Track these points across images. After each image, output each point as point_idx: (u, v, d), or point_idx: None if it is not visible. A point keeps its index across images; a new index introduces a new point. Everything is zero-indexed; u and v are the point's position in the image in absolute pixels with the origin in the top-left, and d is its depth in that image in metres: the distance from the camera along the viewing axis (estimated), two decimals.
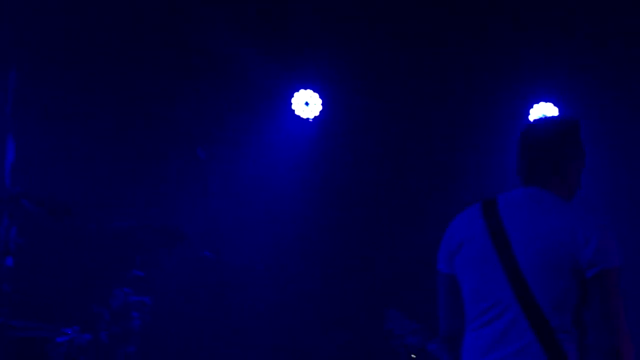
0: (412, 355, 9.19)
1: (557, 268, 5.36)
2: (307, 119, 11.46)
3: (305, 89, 11.40)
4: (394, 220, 11.73)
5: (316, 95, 11.43)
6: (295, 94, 11.37)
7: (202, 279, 9.48)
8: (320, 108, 11.35)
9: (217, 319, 9.65)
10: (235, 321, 10.17)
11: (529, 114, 12.10)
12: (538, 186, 5.51)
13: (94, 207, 9.84)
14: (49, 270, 9.43)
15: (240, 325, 10.20)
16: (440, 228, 10.51)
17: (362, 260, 11.49)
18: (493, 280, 5.42)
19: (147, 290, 8.67)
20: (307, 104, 11.34)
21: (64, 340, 8.10)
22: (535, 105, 12.03)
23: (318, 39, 11.48)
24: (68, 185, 9.67)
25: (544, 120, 6.75)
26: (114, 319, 8.49)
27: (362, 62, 11.85)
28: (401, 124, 11.95)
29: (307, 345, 10.92)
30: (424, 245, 10.23)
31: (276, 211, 11.01)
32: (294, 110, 11.38)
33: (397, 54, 11.94)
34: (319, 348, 10.94)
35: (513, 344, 5.32)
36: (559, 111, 11.98)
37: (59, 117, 10.23)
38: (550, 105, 12.06)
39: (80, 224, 9.43)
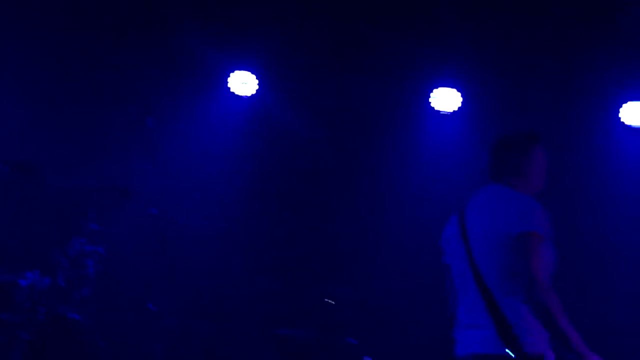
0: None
1: (495, 242, 6.11)
2: (244, 96, 11.32)
3: (242, 69, 11.48)
4: (327, 191, 11.86)
5: (253, 76, 11.47)
6: (232, 74, 11.45)
7: (149, 233, 9.47)
8: (257, 87, 11.44)
9: (162, 269, 9.59)
10: (179, 272, 10.06)
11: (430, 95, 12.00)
12: (498, 183, 6.39)
13: (54, 166, 9.90)
14: (13, 221, 9.62)
15: (183, 275, 10.22)
16: (372, 203, 11.52)
17: (295, 221, 11.64)
18: (461, 265, 6.32)
19: (100, 241, 8.86)
20: (244, 83, 11.39)
21: (27, 284, 8.42)
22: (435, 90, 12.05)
23: (256, 20, 11.41)
24: (32, 147, 10.03)
25: (511, 133, 6.91)
26: (71, 265, 8.72)
27: (297, 42, 11.75)
28: (336, 102, 11.95)
29: (245, 293, 10.98)
30: (356, 219, 11.29)
31: (215, 175, 11.22)
32: (229, 88, 11.52)
33: (331, 33, 11.80)
34: (256, 296, 10.88)
35: (474, 312, 6.12)
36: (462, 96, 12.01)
37: (21, 86, 10.37)
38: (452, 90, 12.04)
39: (41, 181, 9.62)
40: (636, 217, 11.47)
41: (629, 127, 11.66)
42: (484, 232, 6.28)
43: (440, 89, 11.85)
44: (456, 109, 11.96)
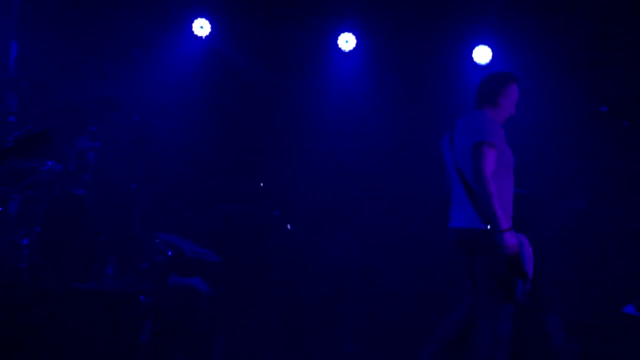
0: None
1: (468, 150, 7.41)
2: (202, 37, 12.19)
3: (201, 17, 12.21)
4: (259, 109, 12.35)
5: (207, 22, 12.16)
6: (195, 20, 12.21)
7: (132, 134, 10.39)
8: (210, 30, 12.21)
9: (141, 159, 10.40)
10: (154, 161, 10.90)
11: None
12: (477, 108, 7.70)
13: (62, 85, 10.81)
14: (32, 124, 10.48)
15: (157, 164, 11.04)
16: (295, 121, 12.13)
17: (237, 134, 12.23)
18: (452, 167, 7.65)
19: (98, 139, 9.74)
20: (201, 27, 12.20)
21: (46, 169, 9.24)
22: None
23: None
24: (46, 70, 10.68)
25: (494, 73, 8.12)
26: (78, 156, 9.54)
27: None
28: (269, 43, 12.42)
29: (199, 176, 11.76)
30: (282, 133, 12.04)
31: (181, 93, 11.93)
32: (192, 31, 12.27)
33: None
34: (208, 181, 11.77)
35: (460, 199, 7.52)
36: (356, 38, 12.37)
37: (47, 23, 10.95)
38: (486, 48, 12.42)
39: (53, 95, 10.46)
40: None
41: (479, 65, 12.28)
42: (462, 144, 7.47)
43: (344, 33, 12.31)
44: (352, 48, 12.40)
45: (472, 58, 12.32)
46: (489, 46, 12.25)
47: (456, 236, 7.62)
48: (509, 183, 7.59)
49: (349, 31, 12.34)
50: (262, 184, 11.29)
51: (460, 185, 7.56)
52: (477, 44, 12.27)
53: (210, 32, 12.29)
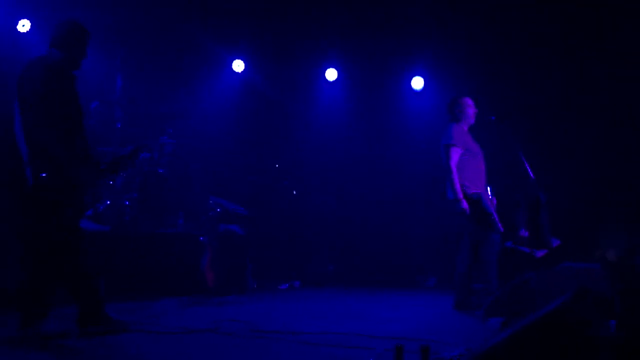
0: None
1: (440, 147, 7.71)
2: (237, 72, 11.73)
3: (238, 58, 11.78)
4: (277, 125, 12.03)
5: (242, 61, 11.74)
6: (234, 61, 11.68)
7: (193, 133, 10.56)
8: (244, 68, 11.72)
9: (198, 155, 10.62)
10: (211, 156, 10.90)
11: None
12: (448, 121, 7.87)
13: (150, 102, 10.56)
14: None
15: (213, 158, 10.95)
16: (299, 131, 11.90)
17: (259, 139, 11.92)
18: None
19: (173, 138, 9.79)
20: (238, 65, 11.76)
21: (144, 157, 9.42)
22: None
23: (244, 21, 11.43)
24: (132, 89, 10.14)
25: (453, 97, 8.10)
26: (160, 148, 9.65)
27: (268, 45, 11.86)
28: (279, 78, 12.04)
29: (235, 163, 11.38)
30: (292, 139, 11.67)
31: (222, 118, 11.54)
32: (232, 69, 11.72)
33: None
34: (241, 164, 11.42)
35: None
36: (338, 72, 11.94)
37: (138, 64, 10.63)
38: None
39: (144, 109, 10.31)
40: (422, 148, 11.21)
41: (415, 91, 11.95)
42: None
43: (330, 68, 12.04)
44: (334, 79, 12.06)
45: (411, 86, 12.04)
46: (422, 77, 11.98)
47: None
48: (475, 165, 7.79)
49: (333, 67, 12.10)
50: (277, 165, 11.37)
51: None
52: (414, 75, 11.99)
53: (243, 69, 12.02)
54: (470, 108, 7.94)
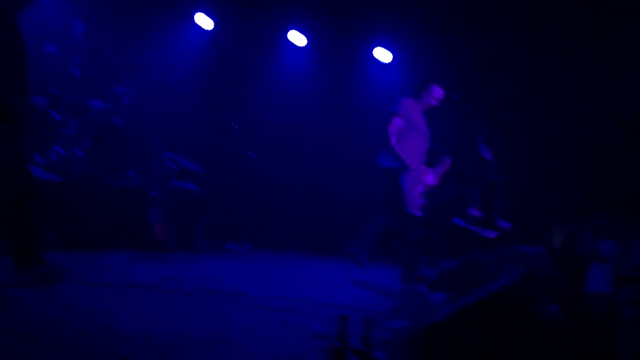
0: None
1: None
2: (202, 28, 11.49)
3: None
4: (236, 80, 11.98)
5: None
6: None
7: (154, 84, 10.41)
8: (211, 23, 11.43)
9: (160, 107, 10.52)
10: (170, 109, 10.73)
11: None
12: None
13: (111, 52, 10.28)
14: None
15: (171, 111, 10.75)
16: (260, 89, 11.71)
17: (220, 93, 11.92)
18: None
19: (130, 88, 9.56)
20: (204, 21, 11.50)
21: (96, 106, 9.18)
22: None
23: None
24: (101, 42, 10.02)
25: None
26: (116, 98, 9.35)
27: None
28: (244, 37, 11.86)
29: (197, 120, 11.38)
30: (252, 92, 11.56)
31: (185, 69, 11.48)
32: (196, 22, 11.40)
33: None
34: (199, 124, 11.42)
35: None
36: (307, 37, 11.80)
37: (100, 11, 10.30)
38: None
39: (103, 58, 9.99)
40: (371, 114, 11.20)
41: (379, 62, 11.87)
42: None
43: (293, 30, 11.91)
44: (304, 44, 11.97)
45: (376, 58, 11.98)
46: (390, 50, 11.90)
47: None
48: (415, 141, 7.90)
49: (301, 32, 11.99)
50: (236, 126, 11.25)
51: None
52: (381, 48, 11.90)
53: (212, 27, 11.79)
54: (434, 100, 8.08)
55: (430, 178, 8.09)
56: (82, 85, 9.46)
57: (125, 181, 9.28)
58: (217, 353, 4.12)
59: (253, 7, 11.62)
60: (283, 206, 11.66)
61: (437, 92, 8.03)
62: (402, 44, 11.83)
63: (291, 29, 11.92)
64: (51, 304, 4.99)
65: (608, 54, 9.76)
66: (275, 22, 11.90)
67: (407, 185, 7.70)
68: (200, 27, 11.80)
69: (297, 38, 11.97)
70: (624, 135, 9.63)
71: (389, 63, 11.86)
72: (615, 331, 4.74)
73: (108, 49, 10.33)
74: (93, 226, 8.20)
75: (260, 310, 5.45)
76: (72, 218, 8.02)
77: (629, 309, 4.88)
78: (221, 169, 10.94)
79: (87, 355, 3.75)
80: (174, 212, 9.06)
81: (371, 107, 11.57)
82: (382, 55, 11.83)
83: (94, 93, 9.56)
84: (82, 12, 9.43)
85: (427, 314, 4.84)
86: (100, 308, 5.02)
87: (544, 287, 4.44)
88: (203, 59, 11.84)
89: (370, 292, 7.19)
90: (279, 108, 12.03)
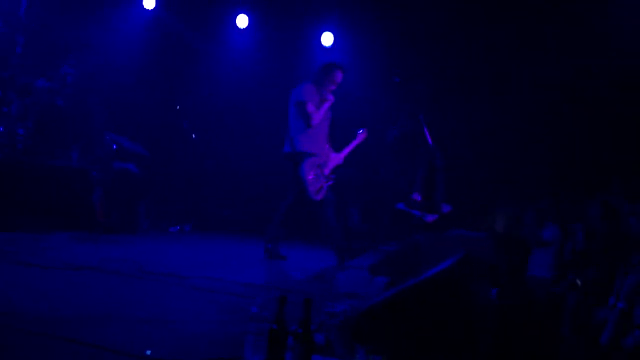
0: None
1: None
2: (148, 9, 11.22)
3: None
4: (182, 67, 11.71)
5: None
6: None
7: (96, 64, 10.09)
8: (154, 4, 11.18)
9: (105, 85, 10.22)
10: (113, 89, 10.32)
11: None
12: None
13: (56, 30, 10.03)
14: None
15: (115, 91, 10.31)
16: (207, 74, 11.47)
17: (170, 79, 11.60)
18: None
19: (73, 67, 9.48)
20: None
21: (39, 85, 9.09)
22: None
23: None
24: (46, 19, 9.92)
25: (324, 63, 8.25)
26: (60, 78, 9.28)
27: None
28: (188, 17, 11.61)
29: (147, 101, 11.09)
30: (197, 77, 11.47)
31: (131, 51, 11.10)
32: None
33: None
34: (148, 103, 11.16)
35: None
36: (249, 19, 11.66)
37: None
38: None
39: (47, 36, 9.87)
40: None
41: (325, 47, 11.74)
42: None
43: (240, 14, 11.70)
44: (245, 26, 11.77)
45: (320, 41, 11.91)
46: (332, 33, 11.83)
47: None
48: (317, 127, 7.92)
49: (244, 13, 11.85)
50: (178, 107, 11.17)
51: None
52: (324, 31, 11.83)
53: (154, 6, 11.49)
54: (334, 85, 8.03)
55: (338, 157, 8.19)
56: (26, 64, 9.37)
57: (66, 161, 9.17)
58: (151, 333, 4.11)
59: None
60: (225, 188, 11.54)
61: (338, 77, 8.00)
62: (344, 27, 11.81)
63: (237, 11, 11.87)
64: None
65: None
66: (218, 2, 11.85)
67: (304, 171, 7.74)
68: (143, 7, 11.53)
69: (241, 20, 11.87)
70: (565, 117, 9.75)
71: (330, 46, 11.81)
72: (557, 315, 4.86)
73: (53, 27, 10.17)
74: (33, 206, 8.07)
75: (198, 292, 5.44)
76: (11, 197, 7.92)
77: (572, 294, 5.01)
78: (164, 151, 10.80)
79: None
80: (115, 193, 8.97)
81: None
82: (325, 38, 11.81)
83: (38, 72, 9.43)
84: None
85: (367, 297, 4.85)
86: (42, 290, 4.94)
87: (485, 271, 4.45)
88: (147, 39, 11.58)
89: (311, 273, 7.27)
90: (221, 89, 11.81)
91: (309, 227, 9.79)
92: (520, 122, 10.16)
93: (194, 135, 11.06)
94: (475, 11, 10.55)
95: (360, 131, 8.38)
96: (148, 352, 3.77)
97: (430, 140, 7.83)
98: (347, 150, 8.27)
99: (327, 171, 7.95)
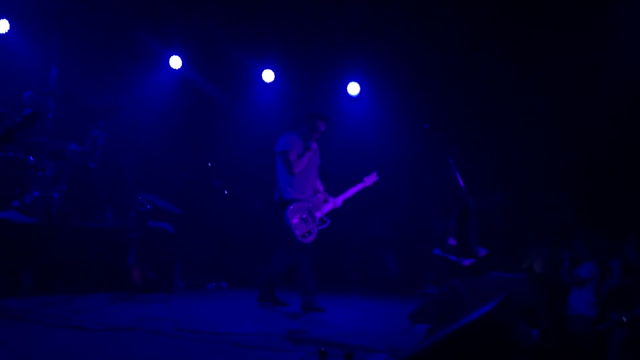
0: None
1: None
2: (174, 69, 11.55)
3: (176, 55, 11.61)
4: (214, 125, 11.90)
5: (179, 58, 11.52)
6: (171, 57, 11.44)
7: (127, 127, 10.38)
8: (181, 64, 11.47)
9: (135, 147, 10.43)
10: (143, 150, 10.68)
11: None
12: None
13: (85, 94, 10.18)
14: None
15: (145, 152, 10.71)
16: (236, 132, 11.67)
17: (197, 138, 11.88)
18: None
19: (104, 131, 9.44)
20: (176, 62, 11.59)
21: (71, 149, 9.17)
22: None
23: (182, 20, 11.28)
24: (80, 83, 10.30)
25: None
26: (92, 141, 9.31)
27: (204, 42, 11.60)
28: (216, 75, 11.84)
29: (170, 159, 11.29)
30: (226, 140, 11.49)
31: (160, 109, 11.44)
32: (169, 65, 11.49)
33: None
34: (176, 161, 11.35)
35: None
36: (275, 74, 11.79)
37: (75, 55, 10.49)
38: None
39: (78, 101, 10.02)
40: (354, 155, 11.36)
41: (352, 97, 11.96)
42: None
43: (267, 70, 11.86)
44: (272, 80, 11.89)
45: (347, 91, 12.02)
46: (358, 82, 11.96)
47: None
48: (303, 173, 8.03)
49: (270, 68, 11.96)
50: (209, 164, 11.12)
51: None
52: (350, 81, 11.97)
53: (181, 66, 11.77)
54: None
55: (335, 201, 8.28)
56: (58, 129, 9.50)
57: (101, 222, 9.22)
58: None
59: (219, 46, 11.66)
60: (258, 243, 11.43)
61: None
62: (370, 76, 11.90)
63: (262, 66, 11.98)
64: (32, 349, 4.90)
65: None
66: (244, 59, 11.91)
67: (287, 216, 7.78)
68: (170, 67, 11.71)
69: (267, 75, 11.97)
70: (600, 159, 9.74)
71: (357, 95, 11.93)
72: (602, 353, 4.77)
73: (82, 92, 10.31)
74: (69, 268, 8.10)
75: (237, 348, 5.38)
76: (48, 260, 7.91)
77: (617, 331, 4.92)
78: (195, 207, 10.85)
79: None
80: (150, 253, 8.95)
81: (341, 139, 11.63)
82: (352, 88, 11.92)
83: (70, 136, 9.51)
84: (56, 58, 9.69)
85: (408, 346, 4.76)
86: (82, 353, 4.92)
87: (525, 312, 4.37)
88: (175, 99, 11.79)
89: (350, 324, 7.10)
90: (250, 144, 11.81)
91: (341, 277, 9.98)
92: (549, 163, 10.20)
93: (226, 192, 11.01)
94: (503, 55, 10.60)
95: (367, 176, 8.47)
96: None
97: (462, 185, 7.78)
98: (348, 194, 8.38)
99: (319, 214, 8.02)
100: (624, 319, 5.04)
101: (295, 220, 7.74)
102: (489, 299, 3.67)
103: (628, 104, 9.53)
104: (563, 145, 10.16)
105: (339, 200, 8.31)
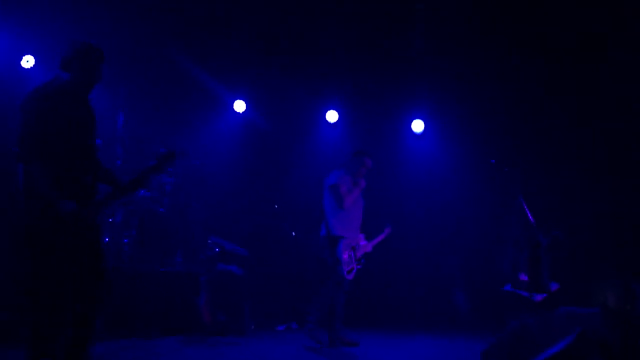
0: None
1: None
2: (239, 112, 11.57)
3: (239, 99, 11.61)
4: (277, 167, 11.89)
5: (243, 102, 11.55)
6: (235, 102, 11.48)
7: (195, 173, 10.46)
8: (245, 108, 11.56)
9: (199, 190, 10.61)
10: (211, 194, 10.87)
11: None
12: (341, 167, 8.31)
13: (151, 141, 10.05)
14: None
15: (213, 196, 10.91)
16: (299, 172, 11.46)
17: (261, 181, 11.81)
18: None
19: (172, 176, 9.68)
20: (240, 106, 11.59)
21: (140, 195, 9.22)
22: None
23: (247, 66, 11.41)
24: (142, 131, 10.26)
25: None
26: (159, 187, 9.60)
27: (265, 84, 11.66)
28: (280, 118, 11.87)
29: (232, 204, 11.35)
30: (290, 181, 11.50)
31: (226, 153, 11.54)
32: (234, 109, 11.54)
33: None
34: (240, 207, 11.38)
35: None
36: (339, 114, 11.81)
37: (140, 101, 10.53)
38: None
39: (144, 146, 9.84)
40: (419, 192, 11.59)
41: (415, 134, 11.89)
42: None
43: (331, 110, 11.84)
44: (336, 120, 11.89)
45: (411, 128, 12.02)
46: (422, 120, 11.95)
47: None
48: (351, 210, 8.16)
49: (333, 108, 12.01)
50: (276, 206, 11.27)
51: None
52: (414, 118, 11.95)
53: (245, 110, 11.83)
54: (365, 170, 8.34)
55: (368, 246, 8.51)
56: (127, 175, 9.50)
57: (171, 266, 9.33)
58: None
59: (283, 88, 11.73)
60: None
61: (368, 163, 8.33)
62: (434, 113, 11.91)
63: (325, 107, 11.99)
64: None
65: None
66: (307, 100, 11.96)
67: (340, 251, 7.91)
68: (234, 111, 11.81)
69: (331, 115, 11.99)
70: None
71: (421, 133, 11.91)
72: None
73: (148, 139, 10.38)
74: (141, 312, 8.23)
75: None
76: (119, 305, 7.97)
77: None
78: (263, 249, 10.89)
79: None
80: (219, 295, 9.01)
81: (407, 177, 11.76)
82: (416, 125, 11.89)
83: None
84: (123, 105, 9.70)
85: None
86: None
87: (601, 348, 4.29)
88: (240, 142, 11.88)
89: None
90: (316, 185, 11.75)
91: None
92: (614, 190, 10.19)
93: (293, 234, 11.08)
94: (566, 85, 10.60)
95: (388, 227, 8.75)
96: None
97: (532, 220, 7.75)
98: (376, 241, 8.61)
99: (358, 254, 8.20)
100: None
101: (345, 256, 7.88)
102: (563, 336, 3.60)
103: None
104: (629, 171, 10.10)
105: (370, 245, 8.53)
